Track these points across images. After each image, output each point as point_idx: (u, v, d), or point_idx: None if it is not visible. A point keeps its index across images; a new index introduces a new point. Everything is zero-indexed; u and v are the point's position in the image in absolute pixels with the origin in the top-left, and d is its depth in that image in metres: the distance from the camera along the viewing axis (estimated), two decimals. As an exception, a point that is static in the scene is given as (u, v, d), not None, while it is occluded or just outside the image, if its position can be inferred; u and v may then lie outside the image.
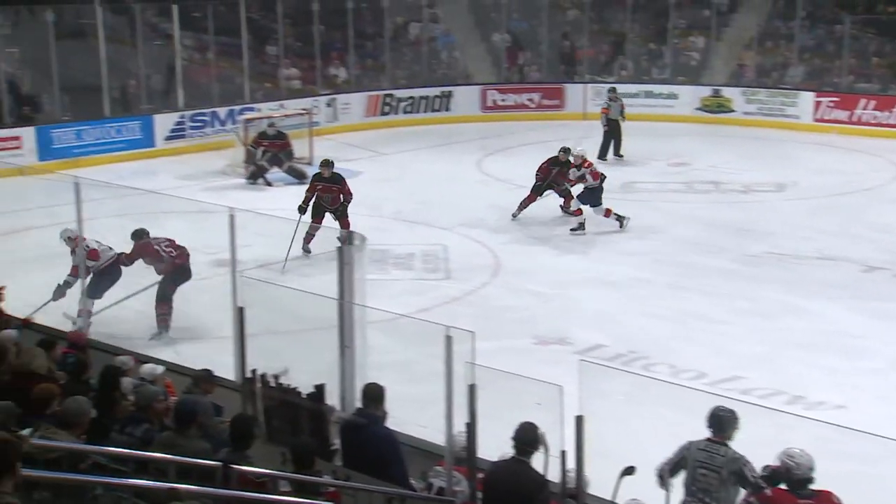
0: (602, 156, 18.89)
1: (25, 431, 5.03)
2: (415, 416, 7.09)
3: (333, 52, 22.81)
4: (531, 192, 15.09)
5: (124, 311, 10.86)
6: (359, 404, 6.41)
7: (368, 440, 6.06)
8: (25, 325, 8.77)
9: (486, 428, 5.84)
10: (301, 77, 22.22)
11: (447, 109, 22.98)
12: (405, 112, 22.72)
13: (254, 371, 7.14)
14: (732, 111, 22.68)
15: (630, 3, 23.78)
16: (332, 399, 6.93)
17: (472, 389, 5.66)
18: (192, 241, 12.95)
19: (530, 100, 23.45)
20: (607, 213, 14.42)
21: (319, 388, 6.76)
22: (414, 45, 24.12)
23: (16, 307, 9.47)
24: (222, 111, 20.08)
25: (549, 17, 24.24)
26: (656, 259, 13.22)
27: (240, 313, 7.25)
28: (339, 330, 7.17)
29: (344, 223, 13.30)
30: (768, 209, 15.79)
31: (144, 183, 15.48)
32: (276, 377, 6.98)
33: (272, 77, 21.93)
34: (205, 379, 7.23)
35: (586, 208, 14.41)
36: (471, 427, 5.77)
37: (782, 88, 22.54)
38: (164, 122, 19.49)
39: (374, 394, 6.18)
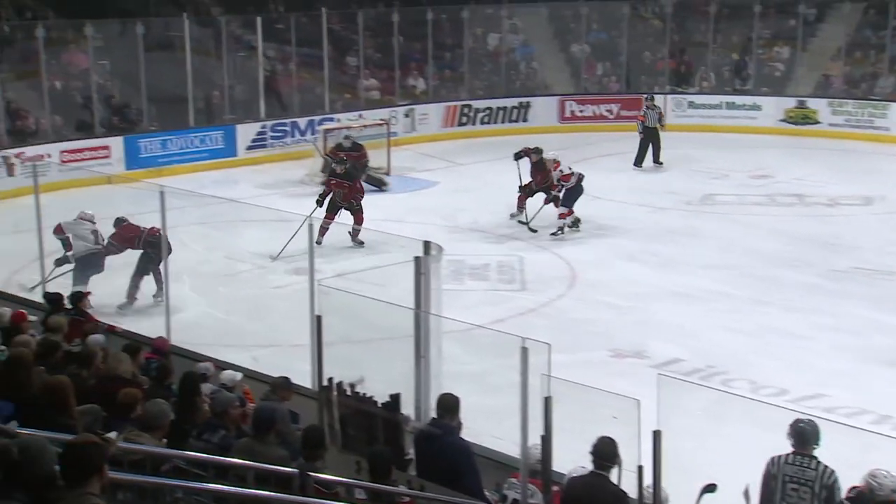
0: (638, 163, 19.12)
1: (111, 434, 5.14)
2: (489, 427, 7.07)
3: (412, 62, 22.99)
4: (521, 191, 15.30)
5: (204, 318, 11.09)
6: (433, 414, 6.41)
7: (443, 450, 6.05)
8: (110, 330, 8.99)
9: (562, 441, 5.79)
10: (380, 88, 22.43)
11: (525, 120, 22.94)
12: (482, 123, 22.76)
13: (330, 379, 7.19)
14: (818, 123, 22.17)
15: (713, 14, 23.45)
16: (407, 409, 6.95)
17: (547, 402, 5.62)
18: (271, 249, 13.21)
19: (609, 111, 23.27)
20: (562, 215, 14.63)
21: (395, 398, 6.78)
22: (492, 55, 24.16)
23: (101, 313, 9.73)
24: (302, 121, 20.38)
25: (629, 28, 24.04)
26: (736, 272, 12.98)
27: (318, 322, 7.32)
28: (415, 340, 7.19)
29: (357, 218, 13.99)
30: (855, 223, 15.38)
31: (226, 192, 15.81)
32: (352, 386, 7.02)
33: (352, 87, 22.19)
34: (282, 386, 7.31)
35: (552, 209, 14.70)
36: (546, 439, 5.73)
37: (871, 100, 21.97)
38: (245, 132, 19.86)
39: (448, 404, 6.17)
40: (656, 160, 19.20)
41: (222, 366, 8.10)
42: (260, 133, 19.97)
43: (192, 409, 6.41)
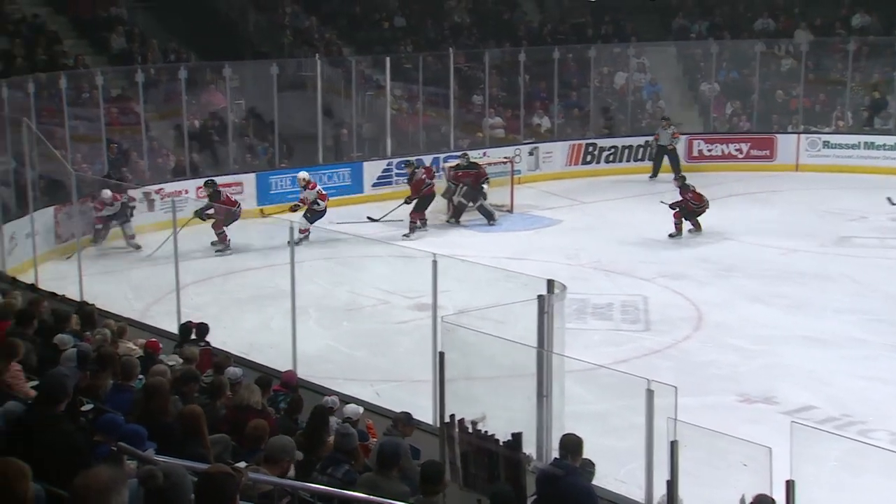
0: (653, 175, 21.47)
1: (241, 464, 5.24)
2: (612, 469, 6.94)
3: (537, 101, 23.04)
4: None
5: (328, 352, 11.27)
6: (556, 454, 6.33)
7: (565, 492, 5.95)
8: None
9: (688, 486, 5.63)
10: (505, 126, 22.55)
11: (650, 159, 22.66)
12: (607, 161, 22.56)
13: (452, 416, 7.19)
14: (964, 163, 21.14)
15: (851, 52, 22.71)
16: (528, 448, 6.89)
17: (673, 446, 5.49)
18: (394, 285, 13.37)
19: (738, 150, 22.77)
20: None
21: (517, 437, 6.73)
22: (619, 94, 24.01)
23: (231, 345, 10.01)
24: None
25: (761, 66, 23.50)
26: (873, 317, 12.45)
27: (440, 358, 7.35)
28: (538, 378, 7.13)
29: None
30: None
31: (351, 228, 16.11)
32: (473, 423, 7.00)
33: (476, 126, 22.37)
34: (404, 421, 7.35)
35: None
36: (672, 485, 5.58)
37: None
38: (372, 170, 20.23)
39: (572, 444, 6.08)
40: (676, 175, 20.20)
41: (345, 399, 8.21)
42: (386, 170, 20.31)
43: (319, 443, 6.50)
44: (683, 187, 16.98)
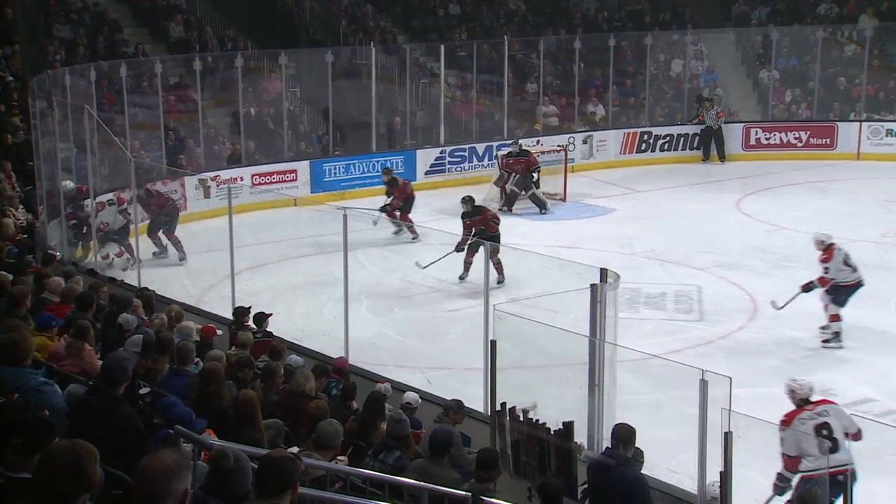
0: (705, 158, 21.87)
1: (293, 450, 5.30)
2: (664, 460, 6.89)
3: (592, 89, 22.86)
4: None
5: (379, 339, 11.32)
6: (607, 444, 6.30)
7: (617, 481, 5.92)
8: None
9: (742, 478, 5.58)
10: (558, 114, 22.42)
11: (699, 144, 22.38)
12: (662, 150, 22.32)
13: (503, 404, 7.19)
14: None
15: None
16: (579, 437, 6.87)
17: (727, 437, 5.43)
18: (447, 272, 13.39)
19: (797, 138, 22.36)
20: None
21: (568, 426, 6.71)
22: (675, 82, 23.72)
23: (284, 331, 10.10)
24: (480, 147, 20.61)
25: (823, 53, 23.02)
26: (938, 311, 12.17)
27: (492, 346, 7.35)
28: (589, 368, 7.11)
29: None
30: None
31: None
32: (524, 412, 7.00)
33: (530, 114, 22.28)
34: (455, 409, 7.36)
35: None
36: (725, 476, 5.53)
37: None
38: (425, 158, 20.25)
39: (625, 434, 6.04)
40: (720, 157, 21.46)
41: (398, 386, 8.25)
42: (439, 158, 20.32)
43: (372, 430, 6.55)
44: (475, 210, 13.88)
